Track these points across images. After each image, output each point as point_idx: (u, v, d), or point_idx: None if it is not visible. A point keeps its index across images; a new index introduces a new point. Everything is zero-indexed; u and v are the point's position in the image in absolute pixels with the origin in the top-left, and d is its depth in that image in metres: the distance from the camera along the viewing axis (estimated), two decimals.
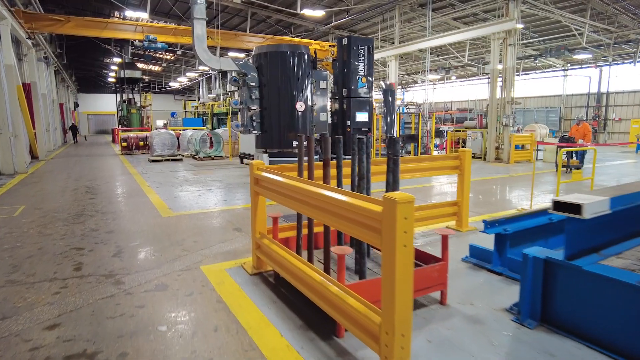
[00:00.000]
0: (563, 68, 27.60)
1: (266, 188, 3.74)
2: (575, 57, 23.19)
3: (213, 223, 6.05)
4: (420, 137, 13.13)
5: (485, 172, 12.03)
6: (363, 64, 11.39)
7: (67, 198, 8.12)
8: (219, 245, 4.96)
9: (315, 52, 11.12)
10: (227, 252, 4.69)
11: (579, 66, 27.67)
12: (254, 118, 10.68)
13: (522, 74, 29.77)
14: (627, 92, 26.03)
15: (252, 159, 12.97)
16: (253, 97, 10.56)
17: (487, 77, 32.68)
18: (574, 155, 12.37)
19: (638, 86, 25.59)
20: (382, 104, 14.02)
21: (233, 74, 10.70)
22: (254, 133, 10.87)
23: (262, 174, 3.76)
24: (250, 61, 10.97)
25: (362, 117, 11.54)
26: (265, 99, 10.67)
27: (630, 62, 24.27)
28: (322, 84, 11.29)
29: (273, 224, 3.96)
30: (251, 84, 10.46)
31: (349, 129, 11.39)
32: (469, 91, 35.11)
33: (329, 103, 11.77)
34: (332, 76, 12.11)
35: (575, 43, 23.08)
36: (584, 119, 12.13)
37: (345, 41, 11.28)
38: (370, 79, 11.62)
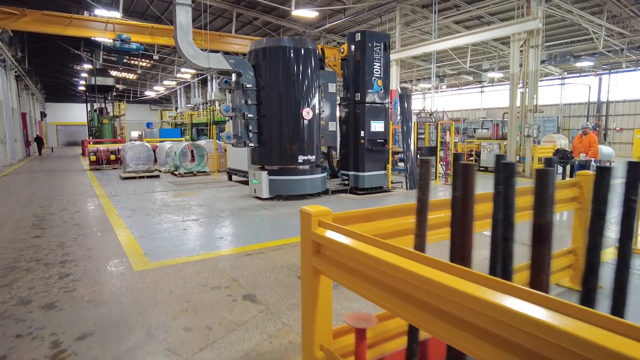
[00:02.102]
0: (561, 77, 26.69)
1: (345, 268, 1.83)
2: (579, 64, 22.20)
3: (210, 283, 4.06)
4: (439, 149, 11.45)
5: None
6: (379, 64, 9.63)
7: (3, 236, 5.97)
8: (228, 337, 2.99)
9: (322, 49, 9.31)
10: (246, 357, 2.72)
11: (578, 74, 26.81)
12: (249, 128, 8.75)
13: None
14: (627, 101, 25.23)
15: (246, 177, 11.00)
16: (249, 102, 8.64)
17: (480, 85, 31.68)
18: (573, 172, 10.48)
19: (638, 95, 24.81)
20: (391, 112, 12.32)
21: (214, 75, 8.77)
22: (250, 146, 8.93)
23: (335, 238, 1.85)
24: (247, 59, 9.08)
25: (377, 126, 9.74)
26: (264, 105, 8.78)
27: (633, 70, 23.45)
28: (331, 87, 9.50)
29: (357, 341, 2.02)
30: (247, 86, 8.55)
31: (362, 141, 9.58)
32: (461, 100, 34.00)
33: (337, 110, 9.96)
34: (340, 79, 10.30)
35: (579, 49, 22.10)
36: (590, 127, 10.31)
37: (358, 36, 9.50)
38: (386, 82, 9.87)
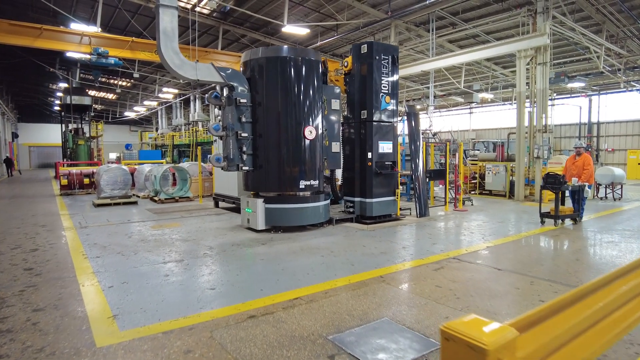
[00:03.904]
0: (550, 97, 26.49)
1: None
2: (570, 85, 21.91)
3: None
4: (448, 172, 10.48)
5: (536, 220, 9.32)
6: (387, 79, 8.68)
7: None
8: None
9: (325, 61, 8.33)
10: None
11: (568, 95, 26.71)
12: (243, 149, 7.61)
13: (507, 103, 28.55)
14: (618, 122, 25.13)
15: (235, 203, 9.79)
16: (243, 119, 7.53)
17: (469, 107, 31.41)
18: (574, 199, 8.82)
19: (629, 116, 24.75)
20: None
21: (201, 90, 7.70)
22: (243, 170, 7.76)
23: None
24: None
25: (386, 147, 8.72)
26: (260, 123, 7.68)
27: (623, 91, 23.37)
28: (334, 104, 8.47)
29: None
30: (241, 101, 7.45)
31: (370, 164, 8.52)
32: (449, 122, 33.59)
33: (341, 129, 8.91)
34: (343, 95, 9.29)
35: (571, 70, 21.89)
36: (584, 146, 9.25)
37: (364, 48, 8.56)
38: (395, 98, 8.92)
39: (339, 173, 9.59)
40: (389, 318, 3.70)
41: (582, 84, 22.42)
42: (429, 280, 4.81)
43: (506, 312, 3.89)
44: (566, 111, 26.76)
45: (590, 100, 25.41)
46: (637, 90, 20.90)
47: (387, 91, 8.67)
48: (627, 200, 12.91)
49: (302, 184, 7.76)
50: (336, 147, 8.53)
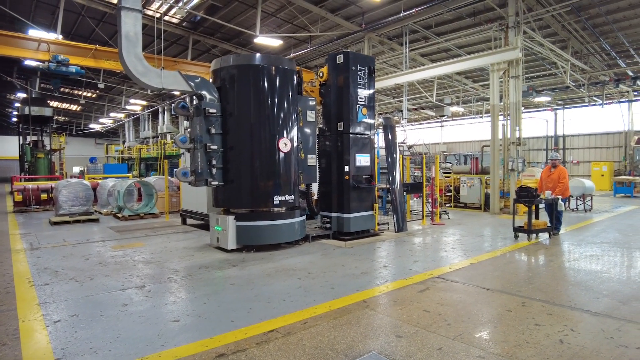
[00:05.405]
0: None
1: None
2: (537, 99, 22.52)
3: None
4: (424, 185, 10.27)
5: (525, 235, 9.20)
6: (363, 90, 8.42)
7: None
8: None
9: (300, 71, 7.99)
10: None
11: (535, 109, 27.48)
12: (212, 162, 7.12)
13: (478, 117, 29.11)
14: (582, 135, 26.02)
15: (204, 220, 9.22)
16: (213, 130, 7.07)
17: (439, 120, 31.87)
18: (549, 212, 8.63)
19: (592, 129, 25.68)
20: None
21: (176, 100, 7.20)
22: (213, 185, 7.25)
23: None
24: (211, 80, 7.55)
25: (363, 160, 8.41)
26: (232, 135, 7.24)
27: (586, 105, 24.25)
28: (309, 115, 8.12)
29: None
30: (210, 111, 6.99)
31: (347, 177, 8.18)
32: (420, 135, 34.01)
33: (316, 141, 8.55)
34: (319, 106, 8.95)
35: (538, 84, 22.50)
36: (559, 158, 9.21)
37: (340, 58, 8.28)
38: (372, 110, 8.66)
39: (315, 187, 9.22)
40: (377, 352, 3.30)
41: (549, 98, 23.12)
42: (416, 304, 4.45)
43: (503, 339, 3.56)
44: (533, 124, 27.53)
45: (555, 114, 26.25)
46: (600, 104, 21.67)
47: (364, 103, 8.41)
48: (597, 211, 13.10)
49: (277, 199, 7.32)
50: (312, 160, 8.15)
